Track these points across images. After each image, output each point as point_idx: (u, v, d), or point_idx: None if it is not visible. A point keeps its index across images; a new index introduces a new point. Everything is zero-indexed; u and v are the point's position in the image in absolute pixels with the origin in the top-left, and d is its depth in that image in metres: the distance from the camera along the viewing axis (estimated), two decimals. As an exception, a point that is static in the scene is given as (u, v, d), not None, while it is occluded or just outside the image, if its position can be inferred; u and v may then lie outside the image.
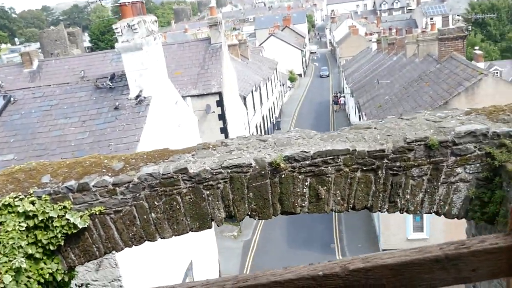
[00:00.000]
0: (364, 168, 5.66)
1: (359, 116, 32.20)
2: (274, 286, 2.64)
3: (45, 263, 5.70)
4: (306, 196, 5.72)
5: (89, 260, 6.06)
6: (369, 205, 5.79)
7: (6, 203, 5.54)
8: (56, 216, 5.62)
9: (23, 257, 5.43)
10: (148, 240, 5.98)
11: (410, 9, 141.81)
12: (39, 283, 5.64)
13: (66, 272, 5.99)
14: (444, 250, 2.62)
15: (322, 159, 5.60)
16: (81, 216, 5.70)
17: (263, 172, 5.61)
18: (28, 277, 5.53)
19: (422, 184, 5.74)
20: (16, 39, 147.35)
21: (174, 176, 5.67)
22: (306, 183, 5.67)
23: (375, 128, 6.14)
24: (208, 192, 5.70)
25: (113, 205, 5.80)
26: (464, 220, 6.13)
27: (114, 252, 6.13)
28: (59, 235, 5.65)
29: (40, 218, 5.57)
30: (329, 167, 5.63)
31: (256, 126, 38.43)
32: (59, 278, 5.83)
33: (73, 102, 13.71)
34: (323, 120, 55.14)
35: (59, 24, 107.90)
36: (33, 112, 13.56)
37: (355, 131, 6.17)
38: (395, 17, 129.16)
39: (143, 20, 13.62)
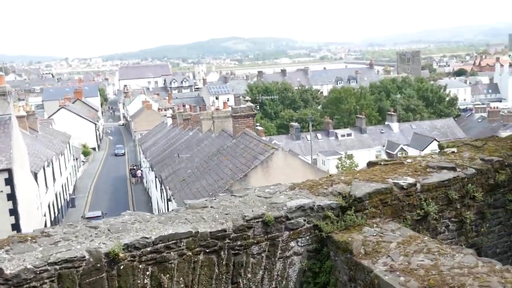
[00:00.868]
0: (207, 250, 5.51)
1: (161, 190, 32.04)
2: None
3: None
4: (148, 288, 5.25)
5: None
6: (213, 289, 5.60)
7: None
8: None
9: None
10: None
11: (198, 88, 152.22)
12: None
13: None
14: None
15: (164, 244, 5.26)
16: None
17: (98, 265, 4.97)
18: None
19: (262, 261, 5.84)
20: None
21: (-16, 282, 4.62)
22: (148, 273, 5.22)
23: (211, 207, 6.11)
24: (30, 296, 4.76)
25: None
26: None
27: None
28: None
29: None
30: (171, 253, 5.31)
31: (49, 205, 34.90)
32: None
33: None
34: (121, 194, 53.24)
35: None
36: None
37: (192, 211, 6.04)
38: (184, 94, 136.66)
39: None
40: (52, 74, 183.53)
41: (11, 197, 22.42)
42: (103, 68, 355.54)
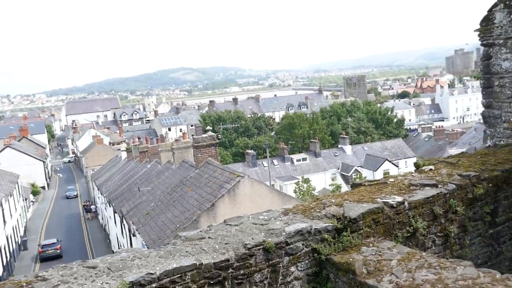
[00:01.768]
0: (211, 282, 5.42)
1: (122, 225, 31.12)
2: None
3: None
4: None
5: None
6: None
7: None
8: None
9: None
10: None
11: (149, 120, 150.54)
12: None
13: None
14: None
15: (169, 279, 5.13)
16: None
17: (104, 306, 4.79)
18: None
19: (265, 288, 5.80)
20: None
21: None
22: (153, 311, 5.06)
23: (209, 237, 6.03)
24: None
25: None
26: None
27: None
28: None
29: None
30: (177, 287, 5.18)
31: (0, 249, 33.02)
32: None
33: None
34: (76, 232, 51.29)
35: None
36: None
37: (190, 243, 5.93)
38: (135, 127, 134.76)
39: None
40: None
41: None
42: (48, 104, 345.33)
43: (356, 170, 64.16)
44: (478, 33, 9.41)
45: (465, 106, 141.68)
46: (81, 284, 4.96)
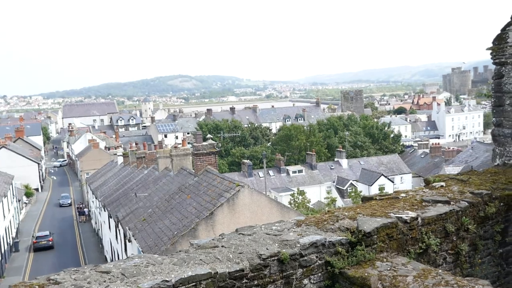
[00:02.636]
0: (226, 291, 5.33)
1: (117, 230, 30.85)
2: None
3: None
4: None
5: None
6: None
7: None
8: None
9: None
10: None
11: (145, 126, 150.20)
12: None
13: None
14: None
15: (185, 287, 5.05)
16: None
17: (118, 312, 4.69)
18: None
19: (278, 300, 5.71)
20: None
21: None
22: (167, 318, 4.96)
23: (222, 246, 5.96)
24: None
25: None
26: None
27: None
28: None
29: None
30: (191, 296, 5.10)
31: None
32: None
33: None
34: (68, 236, 50.77)
35: None
36: None
37: (203, 251, 5.86)
38: (131, 132, 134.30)
39: None
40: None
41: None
42: (44, 106, 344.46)
43: (351, 184, 64.07)
44: (490, 51, 9.43)
45: (461, 124, 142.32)
46: (95, 289, 4.87)
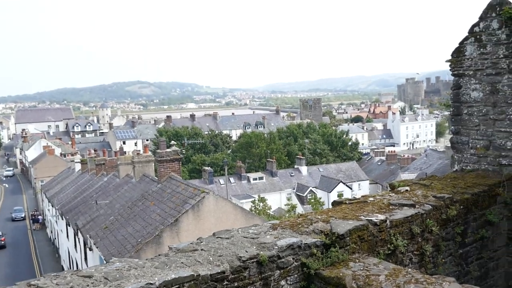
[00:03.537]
0: (207, 293, 5.46)
1: (76, 239, 30.13)
2: None
3: None
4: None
5: None
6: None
7: None
8: None
9: None
10: None
11: (103, 132, 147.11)
12: None
13: None
14: None
15: (168, 289, 5.14)
16: None
17: (103, 315, 4.74)
18: None
19: (257, 302, 5.88)
20: None
21: None
22: (151, 321, 5.04)
23: (202, 249, 6.08)
24: None
25: None
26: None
27: None
28: None
29: None
30: (174, 298, 5.20)
31: None
32: None
33: None
34: (22, 246, 49.06)
35: None
36: None
37: (184, 254, 5.96)
38: (88, 139, 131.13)
39: None
40: None
41: None
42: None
43: (311, 190, 65.04)
44: (449, 63, 10.00)
45: (415, 132, 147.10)
46: (78, 293, 4.90)
